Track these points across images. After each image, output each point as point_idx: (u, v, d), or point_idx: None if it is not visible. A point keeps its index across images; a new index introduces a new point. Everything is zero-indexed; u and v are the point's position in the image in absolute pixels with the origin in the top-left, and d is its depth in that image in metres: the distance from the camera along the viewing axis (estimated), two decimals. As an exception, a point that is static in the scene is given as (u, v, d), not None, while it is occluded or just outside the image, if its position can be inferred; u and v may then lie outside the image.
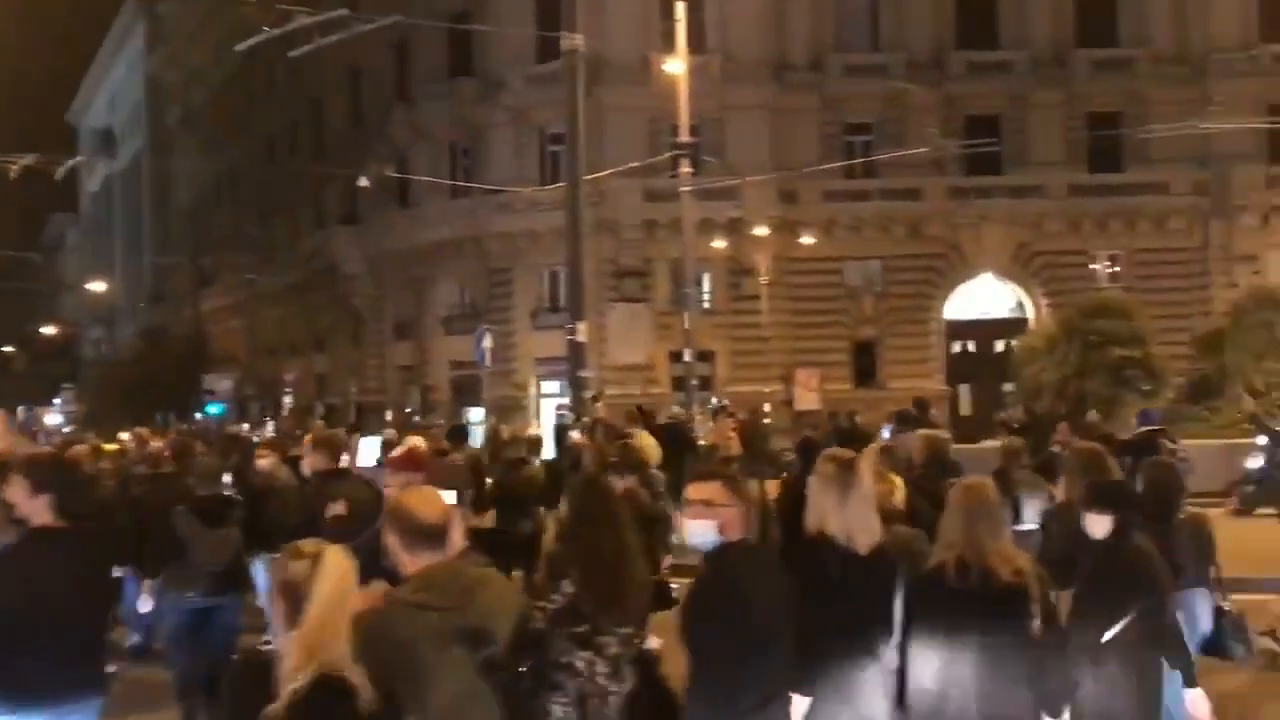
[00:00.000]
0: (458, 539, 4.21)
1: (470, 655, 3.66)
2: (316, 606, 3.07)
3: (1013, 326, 36.19)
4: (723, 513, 4.19)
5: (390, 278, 41.32)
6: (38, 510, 4.91)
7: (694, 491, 4.29)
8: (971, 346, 37.66)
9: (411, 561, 3.70)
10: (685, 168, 22.97)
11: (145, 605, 7.60)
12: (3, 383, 79.76)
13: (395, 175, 33.94)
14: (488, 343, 16.11)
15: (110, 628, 9.81)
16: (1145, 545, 5.16)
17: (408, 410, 35.93)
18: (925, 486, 7.08)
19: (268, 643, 3.50)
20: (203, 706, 7.01)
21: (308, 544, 3.21)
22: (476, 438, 15.77)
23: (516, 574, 8.72)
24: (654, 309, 34.24)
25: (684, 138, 23.04)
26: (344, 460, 7.71)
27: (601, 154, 30.09)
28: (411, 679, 3.44)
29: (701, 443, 14.38)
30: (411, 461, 5.95)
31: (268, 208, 52.00)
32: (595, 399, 20.52)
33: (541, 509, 9.67)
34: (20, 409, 64.31)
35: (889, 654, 4.61)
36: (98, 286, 67.65)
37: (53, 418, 53.95)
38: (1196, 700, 5.19)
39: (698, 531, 4.20)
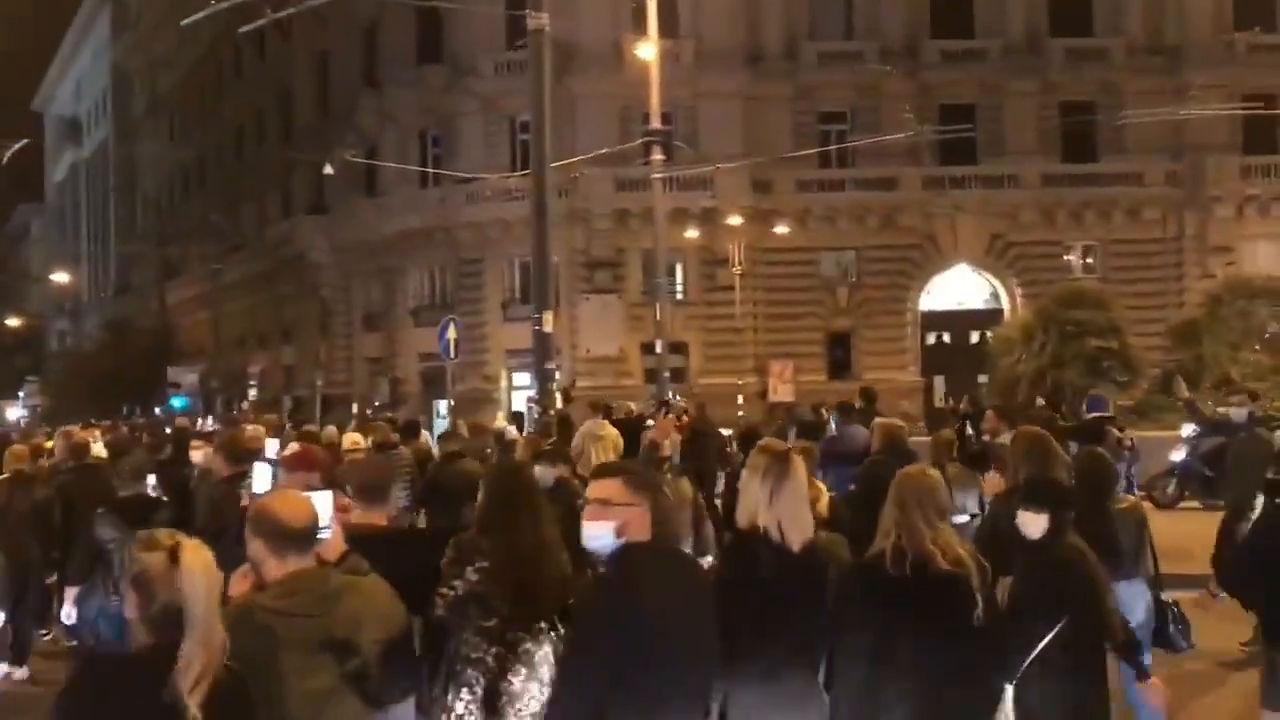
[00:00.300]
0: (338, 542, 3.99)
1: (334, 664, 3.57)
2: (200, 607, 2.99)
3: (988, 317, 36.13)
4: (622, 512, 3.78)
5: (358, 268, 40.76)
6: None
7: (591, 489, 3.94)
8: (947, 337, 37.57)
9: (278, 566, 3.61)
10: (657, 155, 22.50)
11: (69, 613, 7.13)
12: (-34, 375, 78.80)
13: (360, 160, 33.28)
14: (452, 334, 15.63)
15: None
16: (1079, 545, 5.03)
17: (376, 403, 35.45)
18: (879, 473, 7.11)
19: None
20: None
21: (162, 535, 3.10)
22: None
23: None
24: (626, 300, 33.86)
25: (655, 124, 22.58)
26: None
27: (573, 143, 29.66)
28: (267, 685, 3.37)
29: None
30: (304, 461, 5.64)
31: (235, 196, 51.31)
32: (566, 392, 20.15)
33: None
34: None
35: (820, 657, 4.43)
36: (62, 277, 66.74)
37: (15, 411, 53.07)
38: (1150, 692, 5.20)
39: (593, 533, 3.80)
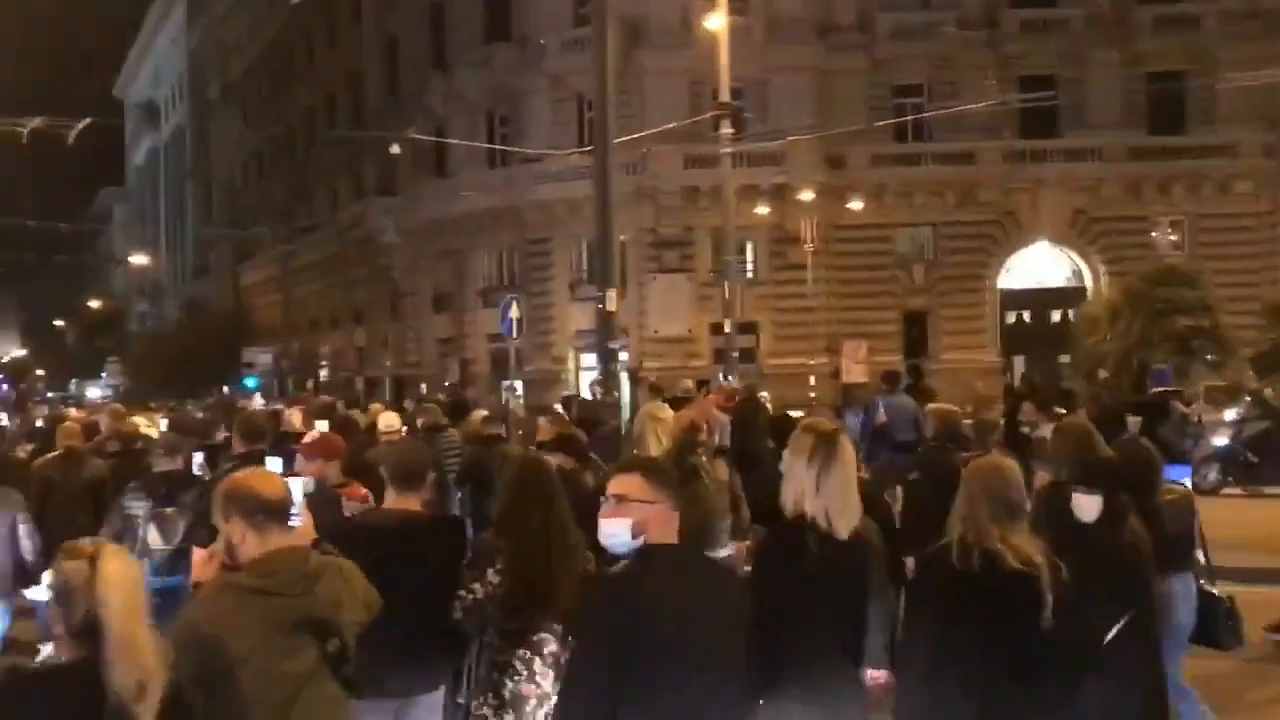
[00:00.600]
0: (307, 529, 3.87)
1: (314, 645, 3.48)
2: (116, 617, 2.83)
3: (1070, 296, 35.11)
4: (640, 510, 3.43)
5: (427, 249, 40.74)
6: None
7: (610, 484, 3.57)
8: (1027, 317, 36.55)
9: (259, 543, 3.50)
10: (726, 129, 21.90)
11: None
12: (53, 356, 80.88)
13: (424, 139, 33.10)
14: (514, 312, 15.20)
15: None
16: (1141, 530, 4.83)
17: (447, 384, 35.41)
18: (938, 459, 7.18)
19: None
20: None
21: (84, 544, 2.96)
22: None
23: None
24: (695, 279, 33.31)
25: (725, 98, 21.97)
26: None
27: (642, 120, 29.20)
28: (244, 666, 3.32)
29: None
30: (323, 448, 5.38)
31: (306, 179, 51.73)
32: (634, 373, 19.71)
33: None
34: (73, 382, 65.14)
35: (874, 655, 4.30)
36: (141, 259, 68.04)
37: (96, 390, 54.24)
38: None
39: (609, 531, 3.45)
